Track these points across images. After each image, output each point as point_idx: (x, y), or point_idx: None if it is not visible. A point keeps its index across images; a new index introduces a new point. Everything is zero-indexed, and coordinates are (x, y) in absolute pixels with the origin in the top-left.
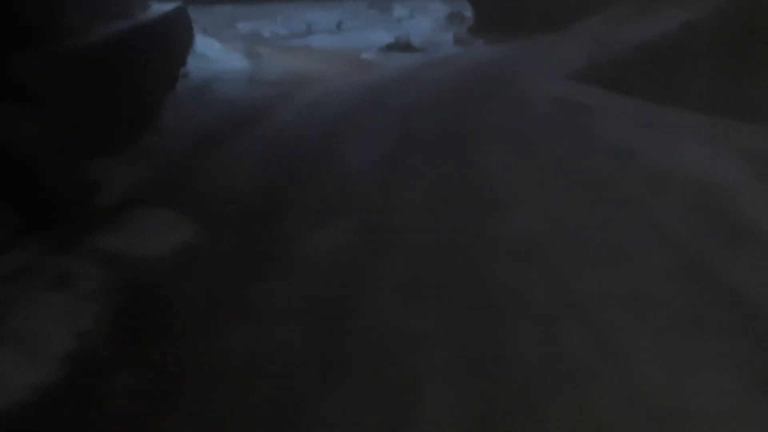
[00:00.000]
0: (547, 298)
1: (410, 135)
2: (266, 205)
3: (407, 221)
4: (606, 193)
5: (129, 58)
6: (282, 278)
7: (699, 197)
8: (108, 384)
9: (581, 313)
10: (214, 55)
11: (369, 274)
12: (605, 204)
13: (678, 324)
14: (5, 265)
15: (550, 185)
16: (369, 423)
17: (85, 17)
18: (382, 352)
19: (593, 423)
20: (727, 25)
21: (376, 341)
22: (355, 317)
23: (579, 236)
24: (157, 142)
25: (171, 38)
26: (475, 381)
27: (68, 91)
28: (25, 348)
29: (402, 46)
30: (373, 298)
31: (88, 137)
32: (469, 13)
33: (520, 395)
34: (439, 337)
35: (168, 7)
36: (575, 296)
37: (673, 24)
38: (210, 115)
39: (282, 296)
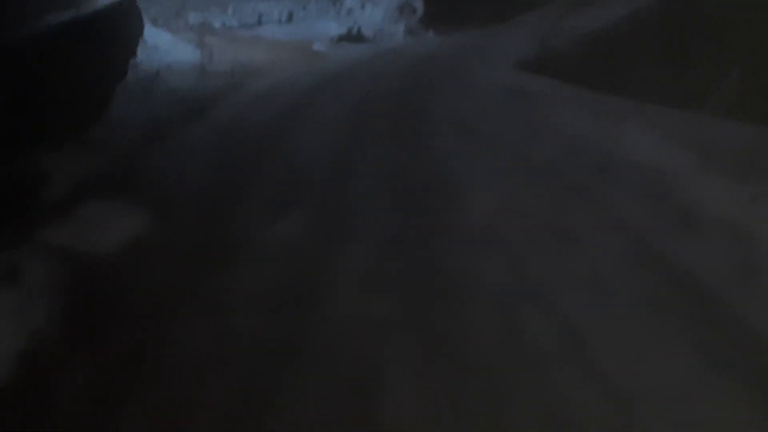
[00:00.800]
0: (505, 283)
1: (364, 125)
2: (220, 196)
3: (364, 210)
4: (558, 179)
5: (74, 48)
6: (239, 270)
7: (647, 183)
8: (61, 383)
9: (539, 298)
10: (164, 45)
11: (328, 264)
12: (557, 190)
13: (634, 307)
14: None
15: (503, 173)
16: (333, 412)
17: (26, 8)
18: (344, 340)
19: (554, 406)
20: (672, 15)
21: (338, 330)
22: (316, 307)
23: (534, 222)
24: (107, 134)
25: (119, 29)
26: (437, 367)
27: (8, 83)
28: None
29: (353, 37)
30: (334, 288)
31: (31, 129)
32: (419, 4)
33: (481, 380)
34: (400, 324)
35: None
36: (533, 282)
37: (621, 13)
38: (160, 106)
39: (240, 288)
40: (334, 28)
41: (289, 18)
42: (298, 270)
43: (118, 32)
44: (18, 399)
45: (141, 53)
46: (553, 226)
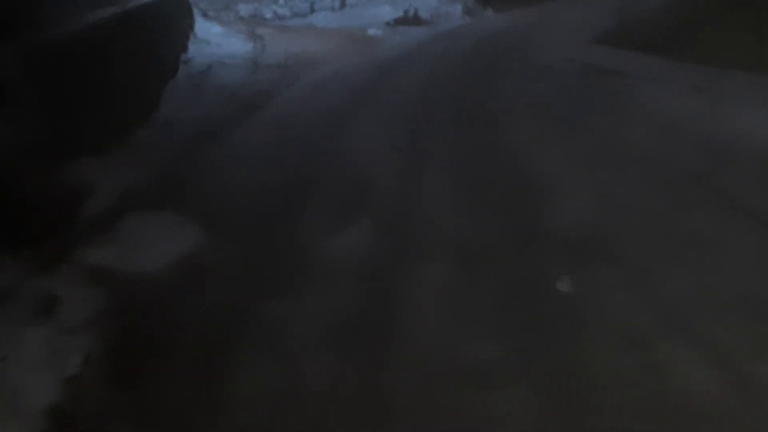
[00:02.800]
0: (633, 309)
1: (427, 116)
2: (275, 204)
3: (436, 218)
4: (665, 169)
5: (120, 46)
6: (301, 295)
7: None
8: None
9: (685, 330)
10: (215, 39)
11: (404, 286)
12: (666, 183)
13: None
14: None
15: (596, 165)
16: None
17: (68, 4)
18: (435, 391)
19: None
20: None
21: (426, 376)
22: (395, 344)
23: (648, 224)
24: (154, 137)
25: (168, 23)
26: (566, 420)
27: (48, 86)
28: None
29: (409, 20)
30: (414, 317)
31: (73, 136)
32: None
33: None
34: (505, 369)
35: None
36: (670, 307)
37: None
38: (212, 103)
39: (303, 318)
40: (388, 12)
41: (342, 4)
42: (370, 294)
43: (167, 27)
44: None
45: (192, 48)
46: (674, 228)
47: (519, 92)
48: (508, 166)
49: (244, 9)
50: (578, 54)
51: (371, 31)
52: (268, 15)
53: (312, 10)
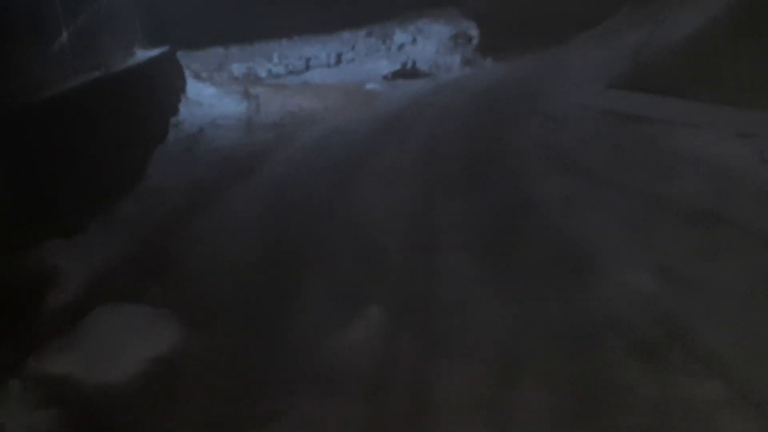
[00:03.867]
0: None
1: (438, 174)
2: (271, 287)
3: (462, 301)
4: (730, 231)
5: (103, 112)
6: (304, 415)
7: None
8: None
9: None
10: (208, 100)
11: (425, 400)
12: (737, 248)
13: None
14: None
15: (644, 226)
16: None
17: (47, 68)
18: None
19: None
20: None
21: None
22: None
23: (731, 305)
24: (136, 210)
25: (158, 86)
26: None
27: (17, 157)
28: None
29: (408, 72)
30: None
31: (41, 214)
32: (474, 32)
33: None
34: None
35: (154, 52)
36: None
37: (699, 22)
38: (204, 167)
39: None
40: (385, 66)
41: (338, 60)
42: (385, 412)
43: (157, 90)
44: None
45: (183, 110)
46: (763, 305)
47: (537, 144)
48: (540, 230)
49: (237, 68)
50: (595, 101)
51: (369, 86)
52: (263, 74)
53: (307, 67)
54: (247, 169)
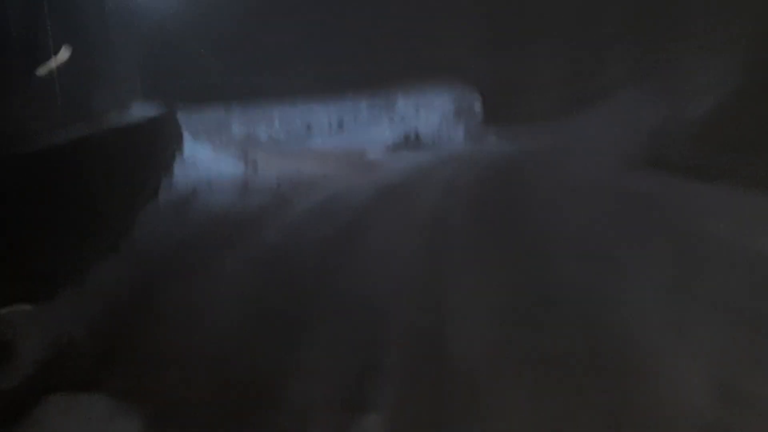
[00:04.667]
0: None
1: (446, 251)
2: (252, 379)
3: (487, 403)
4: None
5: (91, 168)
6: None
7: None
8: None
9: None
10: (205, 160)
11: None
12: None
13: None
14: None
15: (693, 325)
16: None
17: (34, 120)
18: None
19: None
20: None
21: None
22: None
23: None
24: (116, 275)
25: (153, 146)
26: None
27: None
28: None
29: (410, 143)
30: None
31: (13, 273)
32: (477, 105)
33: None
34: None
35: (152, 110)
36: None
37: (707, 102)
38: (193, 231)
39: None
40: (388, 135)
41: (340, 126)
42: None
43: (151, 148)
44: None
45: (177, 170)
46: None
47: (555, 224)
48: (569, 323)
49: (238, 130)
50: (612, 179)
51: (370, 155)
52: (263, 137)
53: (309, 132)
54: (240, 235)
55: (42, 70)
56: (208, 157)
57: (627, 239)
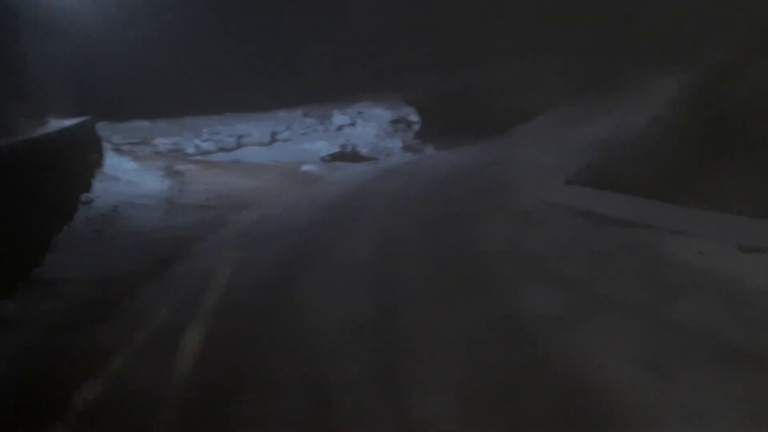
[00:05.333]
0: None
1: (398, 280)
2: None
3: None
4: (763, 371)
5: None
6: None
7: None
8: None
9: None
10: (127, 175)
11: None
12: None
13: None
14: None
15: (662, 361)
16: None
17: None
18: None
19: None
20: (692, 119)
21: None
22: None
23: None
24: (24, 311)
25: (69, 159)
26: None
27: None
28: None
29: (348, 155)
30: None
31: None
32: (414, 118)
33: None
34: None
35: (67, 123)
36: None
37: (639, 120)
38: (113, 256)
39: None
40: (323, 147)
41: (273, 138)
42: None
43: (67, 164)
44: None
45: (97, 186)
46: None
47: (508, 247)
48: (535, 363)
49: (163, 143)
50: (562, 198)
51: (306, 167)
52: (190, 149)
53: (239, 145)
54: (165, 260)
55: None
56: (131, 172)
57: (589, 263)
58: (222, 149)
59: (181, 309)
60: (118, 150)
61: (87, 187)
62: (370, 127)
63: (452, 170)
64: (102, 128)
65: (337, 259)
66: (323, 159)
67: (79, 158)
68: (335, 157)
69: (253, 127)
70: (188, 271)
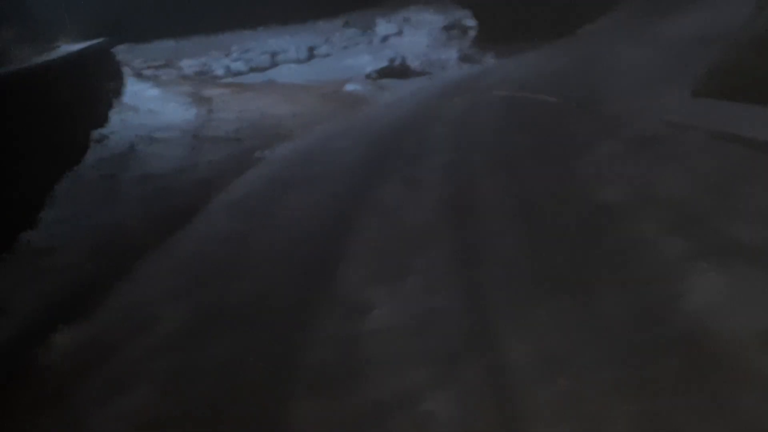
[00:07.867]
0: None
1: (481, 251)
2: None
3: None
4: None
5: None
6: None
7: None
8: None
9: None
10: (148, 104)
11: None
12: None
13: None
14: None
15: None
16: None
17: None
18: None
19: None
20: None
21: None
22: None
23: None
24: (10, 283)
25: (78, 90)
26: None
27: None
28: None
29: (397, 71)
30: None
31: None
32: (470, 22)
33: None
34: None
35: (78, 46)
36: None
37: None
38: (127, 205)
39: None
40: (368, 62)
41: (310, 54)
42: None
43: (78, 93)
44: None
45: (113, 120)
46: None
47: (641, 195)
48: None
49: (189, 65)
50: (688, 116)
51: (350, 87)
52: (219, 71)
53: (274, 63)
54: (185, 211)
55: None
56: (153, 100)
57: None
58: (254, 69)
59: (204, 271)
60: (139, 75)
61: (102, 122)
62: (420, 36)
63: (526, 84)
64: (122, 51)
65: (395, 216)
66: (368, 76)
67: (92, 88)
68: (382, 74)
69: (288, 42)
70: (211, 223)
